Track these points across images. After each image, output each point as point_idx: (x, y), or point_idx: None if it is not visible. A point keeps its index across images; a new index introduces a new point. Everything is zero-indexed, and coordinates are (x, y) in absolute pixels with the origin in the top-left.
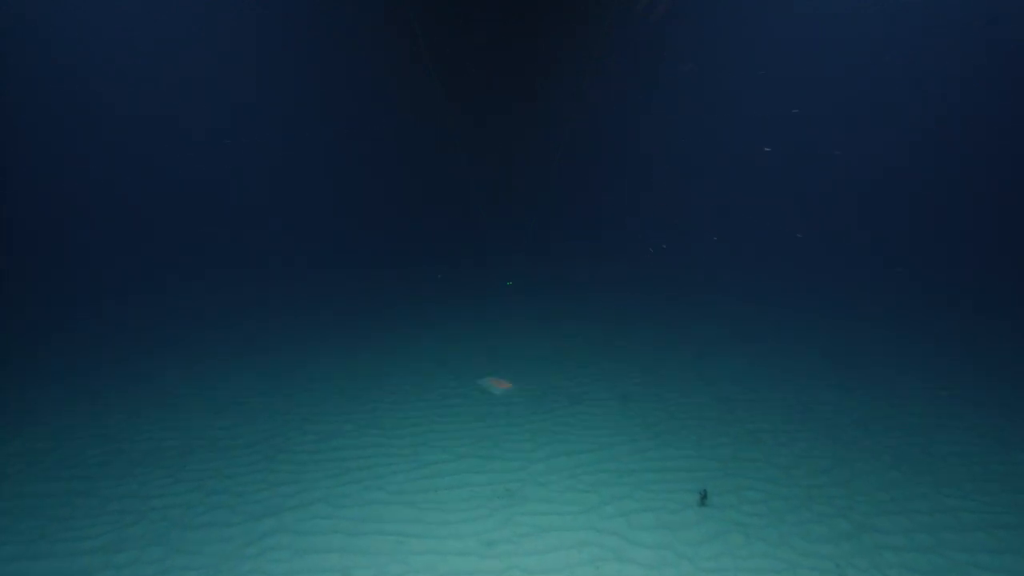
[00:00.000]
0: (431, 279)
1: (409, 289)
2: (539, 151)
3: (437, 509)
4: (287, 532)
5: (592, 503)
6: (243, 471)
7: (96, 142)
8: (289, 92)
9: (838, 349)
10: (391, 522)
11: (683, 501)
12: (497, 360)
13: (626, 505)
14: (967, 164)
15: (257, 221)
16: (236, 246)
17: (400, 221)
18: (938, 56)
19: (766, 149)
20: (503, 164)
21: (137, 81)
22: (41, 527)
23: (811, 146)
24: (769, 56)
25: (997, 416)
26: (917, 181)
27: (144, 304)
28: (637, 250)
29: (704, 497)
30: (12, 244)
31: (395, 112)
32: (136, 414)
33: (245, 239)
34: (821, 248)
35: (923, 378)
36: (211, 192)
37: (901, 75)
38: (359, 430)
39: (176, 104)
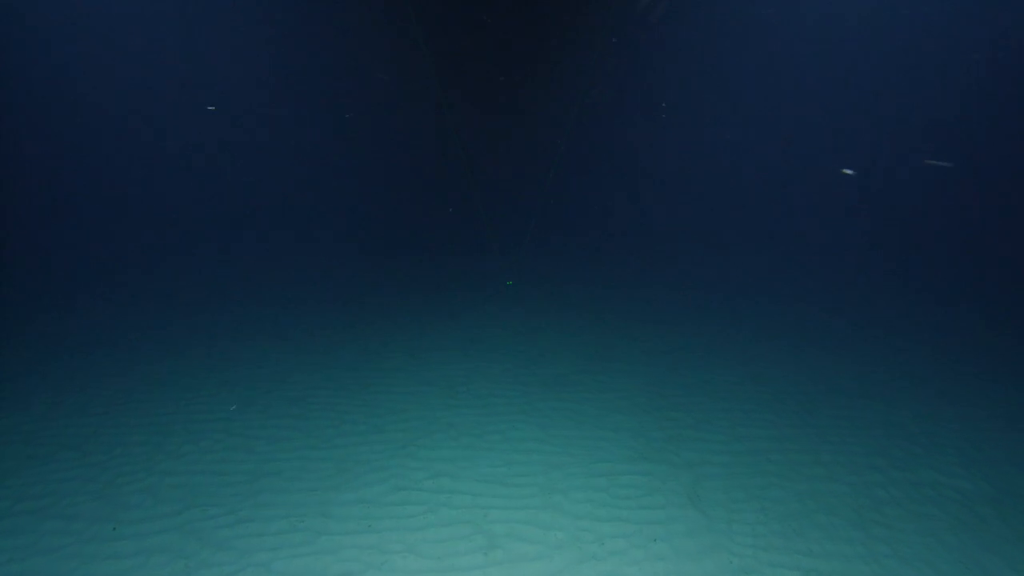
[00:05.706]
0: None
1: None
2: (536, 148)
3: None
4: None
5: None
6: None
7: (93, 139)
8: (287, 84)
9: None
10: None
11: None
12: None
13: None
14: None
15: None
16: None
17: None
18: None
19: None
20: (501, 160)
21: (132, 76)
22: None
23: (814, 147)
24: (769, 56)
25: None
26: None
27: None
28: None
29: None
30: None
31: (395, 107)
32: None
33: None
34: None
35: None
36: (208, 190)
37: (905, 74)
38: None
39: (174, 101)
